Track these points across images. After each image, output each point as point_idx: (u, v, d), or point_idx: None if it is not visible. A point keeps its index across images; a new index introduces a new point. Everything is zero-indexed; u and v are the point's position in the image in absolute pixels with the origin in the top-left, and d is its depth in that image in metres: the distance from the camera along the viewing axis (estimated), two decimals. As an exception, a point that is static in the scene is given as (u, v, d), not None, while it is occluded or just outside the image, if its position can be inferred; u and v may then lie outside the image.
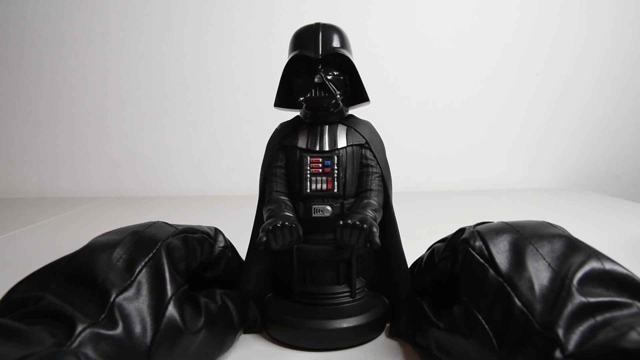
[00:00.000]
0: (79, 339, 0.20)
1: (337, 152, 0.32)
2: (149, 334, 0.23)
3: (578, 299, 0.20)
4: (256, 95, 1.02)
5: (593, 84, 1.10)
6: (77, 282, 0.24)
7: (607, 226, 0.68)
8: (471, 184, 1.09)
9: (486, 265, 0.24)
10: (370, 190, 0.33)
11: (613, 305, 0.20)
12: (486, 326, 0.23)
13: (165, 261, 0.26)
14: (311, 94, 0.31)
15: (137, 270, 0.25)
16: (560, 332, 0.19)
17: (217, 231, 0.33)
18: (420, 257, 0.34)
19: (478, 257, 0.25)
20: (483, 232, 0.26)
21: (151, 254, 0.26)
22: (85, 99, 1.06)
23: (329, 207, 0.32)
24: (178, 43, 1.05)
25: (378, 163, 0.33)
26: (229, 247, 0.33)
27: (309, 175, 0.32)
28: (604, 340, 0.18)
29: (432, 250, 0.31)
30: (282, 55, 0.33)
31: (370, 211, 0.31)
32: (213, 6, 1.03)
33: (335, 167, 0.32)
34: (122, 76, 1.06)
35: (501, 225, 0.26)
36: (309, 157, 0.32)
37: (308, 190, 0.32)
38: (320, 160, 0.32)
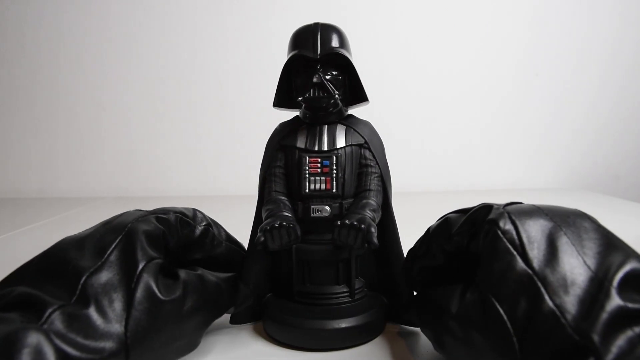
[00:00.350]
0: (49, 319, 0.20)
1: (336, 152, 0.32)
2: (123, 307, 0.23)
3: (617, 301, 0.18)
4: (256, 95, 1.02)
5: (595, 85, 1.10)
6: (49, 273, 0.23)
7: (608, 226, 0.68)
8: (472, 184, 1.09)
9: (515, 253, 0.21)
10: (369, 190, 0.33)
11: None
12: (507, 321, 0.20)
13: (136, 239, 0.25)
14: (310, 94, 0.31)
15: (108, 252, 0.24)
16: (597, 339, 0.18)
17: (195, 211, 0.32)
18: (419, 239, 0.30)
19: (507, 243, 0.22)
20: (514, 214, 0.23)
21: (120, 236, 0.25)
22: (84, 99, 1.06)
23: (327, 207, 0.32)
24: (177, 43, 1.05)
25: (377, 163, 0.33)
26: (212, 224, 0.33)
27: (307, 175, 0.32)
28: None
29: (445, 219, 0.27)
30: (281, 55, 0.33)
31: (368, 211, 0.31)
32: (213, 6, 1.03)
33: (334, 167, 0.32)
34: (121, 76, 1.06)
35: (533, 209, 0.23)
36: (307, 157, 0.32)
37: (307, 190, 0.32)
38: (319, 160, 0.32)
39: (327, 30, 0.32)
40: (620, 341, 0.17)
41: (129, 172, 1.07)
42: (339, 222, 0.28)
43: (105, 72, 1.06)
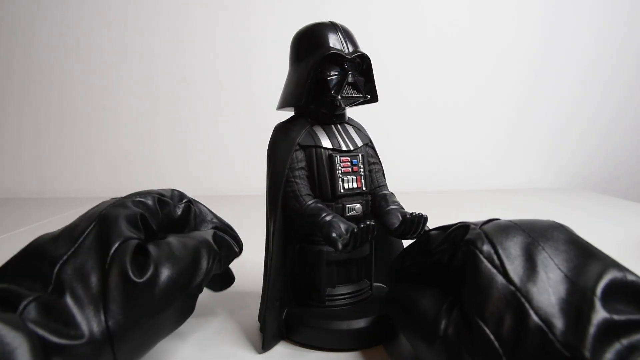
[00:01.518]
0: (25, 310, 0.20)
1: (359, 150, 0.33)
2: (99, 290, 0.22)
3: (602, 314, 0.18)
4: (257, 95, 1.03)
5: (599, 86, 1.10)
6: (25, 268, 0.23)
7: (608, 226, 0.68)
8: (474, 184, 1.09)
9: (495, 272, 0.21)
10: (384, 185, 0.35)
11: (637, 324, 0.18)
12: (494, 340, 0.20)
13: (110, 223, 0.25)
14: (347, 93, 0.31)
15: (81, 239, 0.24)
16: (588, 354, 0.18)
17: (173, 191, 0.32)
18: (408, 246, 0.31)
19: (486, 263, 0.22)
20: (491, 234, 0.23)
21: (94, 222, 0.25)
22: (85, 99, 1.06)
23: (358, 205, 0.32)
24: (178, 43, 1.05)
25: (379, 161, 0.35)
26: (193, 202, 0.33)
27: (340, 175, 0.32)
28: None
29: (428, 236, 0.28)
30: (282, 56, 0.33)
31: (400, 203, 0.33)
32: (214, 6, 1.03)
33: (361, 166, 0.33)
34: (120, 77, 1.06)
35: (509, 225, 0.24)
36: (339, 157, 0.32)
37: (342, 190, 0.32)
38: (349, 159, 0.32)
39: (346, 30, 0.32)
40: (610, 354, 0.18)
41: (128, 172, 1.07)
42: (407, 216, 0.29)
43: (105, 73, 1.05)
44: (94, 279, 0.22)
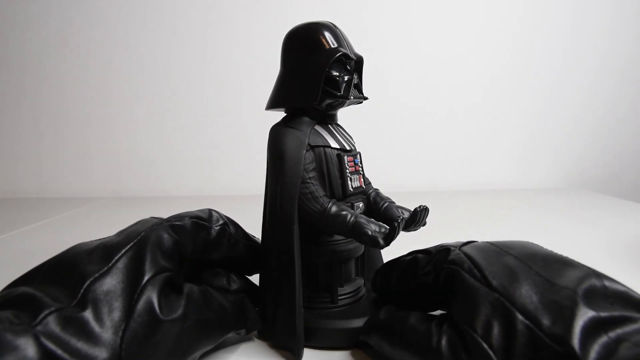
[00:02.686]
0: (44, 320, 0.20)
1: (357, 150, 0.34)
2: (122, 316, 0.22)
3: (588, 312, 0.19)
4: (258, 96, 1.02)
5: (590, 83, 1.10)
6: (56, 276, 0.23)
7: (606, 226, 0.68)
8: (468, 184, 1.09)
9: (479, 284, 0.23)
10: (370, 183, 0.36)
11: (623, 320, 0.19)
12: (486, 346, 0.21)
13: (147, 249, 0.25)
14: (357, 93, 0.32)
15: (116, 258, 0.24)
16: (577, 346, 0.19)
17: (210, 212, 0.32)
18: (397, 259, 0.32)
19: (470, 278, 0.24)
20: (470, 254, 0.25)
21: (131, 244, 0.25)
22: (85, 99, 1.06)
23: (362, 203, 0.33)
24: (179, 43, 1.05)
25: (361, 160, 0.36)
26: (228, 222, 0.32)
27: (349, 174, 0.32)
28: (628, 355, 0.18)
29: (415, 259, 0.30)
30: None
31: (390, 198, 0.35)
32: (216, 7, 1.03)
33: (361, 165, 0.34)
34: (122, 76, 1.06)
35: (487, 247, 0.26)
36: (346, 157, 0.32)
37: (351, 189, 0.32)
38: (352, 158, 0.33)
39: (342, 30, 0.32)
40: (598, 346, 0.19)
41: (129, 172, 1.07)
42: (417, 208, 0.31)
43: (105, 72, 1.05)
44: (119, 304, 0.22)
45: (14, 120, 1.07)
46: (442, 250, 0.28)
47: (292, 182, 0.30)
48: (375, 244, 0.28)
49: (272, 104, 0.33)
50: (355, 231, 0.29)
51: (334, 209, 0.30)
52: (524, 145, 1.12)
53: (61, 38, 1.04)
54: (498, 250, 0.25)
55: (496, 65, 1.08)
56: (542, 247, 0.25)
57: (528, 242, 0.27)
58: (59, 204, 0.92)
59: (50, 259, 0.25)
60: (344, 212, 0.30)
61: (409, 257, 0.31)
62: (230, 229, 0.32)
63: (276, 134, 0.32)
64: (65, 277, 0.23)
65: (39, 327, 0.19)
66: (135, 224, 0.28)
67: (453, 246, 0.27)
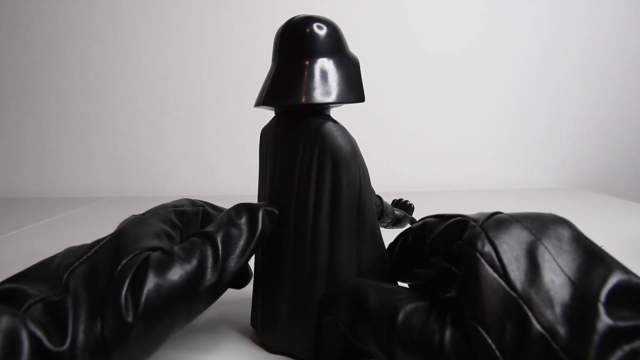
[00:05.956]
0: (29, 310, 0.20)
1: None
2: (100, 296, 0.22)
3: (606, 321, 0.18)
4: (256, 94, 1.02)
5: (592, 83, 1.10)
6: (41, 273, 0.23)
7: (607, 226, 0.68)
8: (472, 184, 1.09)
9: (496, 276, 0.20)
10: None
11: (639, 330, 0.18)
12: (496, 350, 0.19)
13: (128, 235, 0.25)
14: None
15: (96, 247, 0.24)
16: None
17: (188, 200, 0.33)
18: (404, 232, 0.29)
19: (487, 266, 0.21)
20: (491, 232, 0.22)
21: (114, 232, 0.25)
22: (85, 98, 1.06)
23: None
24: (179, 43, 1.05)
25: None
26: (206, 204, 0.34)
27: None
28: None
29: (425, 223, 0.26)
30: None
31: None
32: (215, 6, 1.03)
33: None
34: (122, 76, 1.06)
35: (510, 221, 0.22)
36: None
37: None
38: None
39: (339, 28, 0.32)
40: None
41: (129, 172, 1.07)
42: (409, 202, 0.33)
43: (105, 71, 1.05)
44: (99, 285, 0.22)
45: (14, 120, 1.07)
46: (459, 222, 0.24)
47: (369, 182, 0.29)
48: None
49: (327, 99, 0.28)
50: (395, 216, 0.33)
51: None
52: (524, 146, 1.12)
53: (61, 38, 1.04)
54: (523, 229, 0.22)
55: (497, 65, 1.08)
56: (569, 227, 0.22)
57: (556, 218, 0.23)
58: (60, 204, 0.92)
59: (41, 261, 0.25)
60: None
61: (420, 222, 0.28)
62: (209, 209, 0.33)
63: (344, 132, 0.28)
64: (49, 272, 0.23)
65: (25, 315, 0.20)
66: (122, 222, 0.29)
67: (473, 220, 0.23)
